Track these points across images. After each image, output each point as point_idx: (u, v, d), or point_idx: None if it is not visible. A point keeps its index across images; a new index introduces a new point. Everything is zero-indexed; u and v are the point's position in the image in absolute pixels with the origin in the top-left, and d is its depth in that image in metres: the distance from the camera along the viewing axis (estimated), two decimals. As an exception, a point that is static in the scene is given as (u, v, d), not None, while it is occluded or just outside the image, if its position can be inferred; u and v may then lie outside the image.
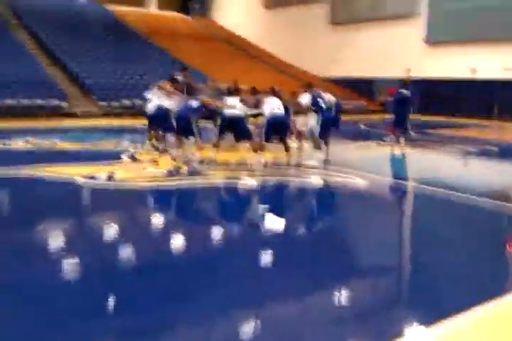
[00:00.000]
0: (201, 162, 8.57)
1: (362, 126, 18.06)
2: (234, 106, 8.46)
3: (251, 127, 8.96)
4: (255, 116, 9.56)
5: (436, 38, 24.16)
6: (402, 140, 12.07)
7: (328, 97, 9.48)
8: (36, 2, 29.29)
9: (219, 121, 9.13)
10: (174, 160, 8.74)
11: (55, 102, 17.97)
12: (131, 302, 3.42)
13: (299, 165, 8.69)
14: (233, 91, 10.94)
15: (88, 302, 3.41)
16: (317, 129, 8.75)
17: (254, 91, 9.27)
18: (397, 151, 11.32)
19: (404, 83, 12.78)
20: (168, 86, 9.68)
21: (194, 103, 8.73)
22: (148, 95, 10.37)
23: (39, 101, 17.58)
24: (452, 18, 23.09)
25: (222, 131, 8.77)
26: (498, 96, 21.76)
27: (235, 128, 8.68)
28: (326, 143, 9.34)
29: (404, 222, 6.21)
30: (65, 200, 6.42)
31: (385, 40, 26.23)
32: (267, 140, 8.66)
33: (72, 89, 20.32)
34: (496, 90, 22.03)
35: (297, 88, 10.29)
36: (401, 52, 25.44)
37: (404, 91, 12.18)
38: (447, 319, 3.18)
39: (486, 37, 21.93)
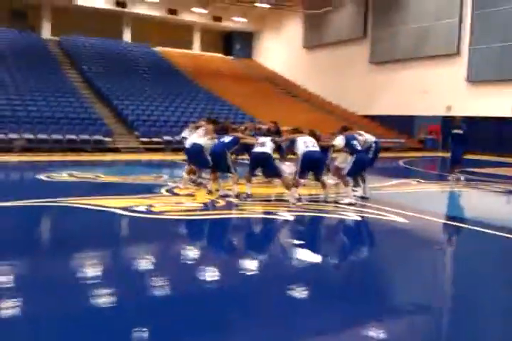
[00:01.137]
0: (237, 196, 8.64)
1: (401, 164, 17.87)
2: (263, 143, 8.66)
3: (284, 165, 9.06)
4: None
5: (478, 76, 23.97)
6: (462, 177, 12.13)
7: (366, 138, 9.53)
8: (86, 42, 30.84)
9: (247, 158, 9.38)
10: (210, 193, 8.85)
11: (100, 138, 18.59)
12: (164, 332, 3.41)
13: (336, 202, 8.60)
14: (273, 133, 11.17)
15: (121, 330, 3.42)
16: (347, 168, 8.72)
17: (295, 131, 9.29)
18: (439, 190, 11.17)
19: (457, 122, 12.87)
20: (205, 124, 9.95)
21: (227, 138, 8.96)
22: (185, 133, 10.77)
23: (84, 137, 18.23)
24: (494, 57, 22.96)
25: (252, 168, 8.93)
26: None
27: (263, 166, 8.91)
28: (363, 181, 9.24)
29: (444, 261, 6.03)
30: (103, 231, 6.56)
31: (425, 80, 26.21)
32: (302, 176, 8.64)
33: (116, 126, 21.06)
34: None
35: (335, 129, 10.37)
36: (442, 90, 25.34)
37: (457, 131, 12.38)
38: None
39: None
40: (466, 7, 24.40)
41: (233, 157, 10.12)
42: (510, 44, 22.37)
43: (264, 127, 12.13)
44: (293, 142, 8.76)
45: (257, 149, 8.67)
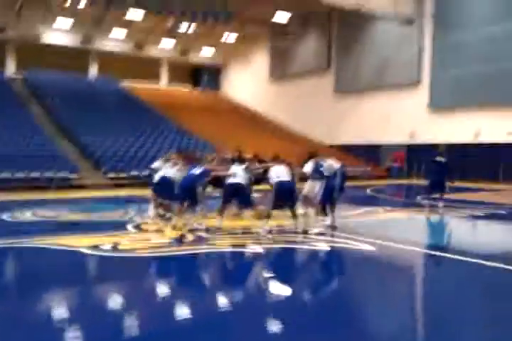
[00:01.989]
0: (207, 230, 8.56)
1: (368, 192, 18.09)
2: (235, 174, 8.61)
3: (255, 195, 9.03)
4: (259, 182, 9.65)
5: (440, 104, 24.77)
6: (441, 204, 12.29)
7: (331, 164, 9.59)
8: (51, 78, 30.69)
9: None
10: (175, 228, 8.73)
11: (65, 175, 18.27)
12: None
13: (305, 232, 8.61)
14: (238, 160, 11.19)
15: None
16: (319, 196, 8.80)
17: (256, 158, 9.46)
18: (404, 216, 11.33)
19: (440, 150, 13.21)
20: (175, 157, 10.01)
21: (197, 170, 8.85)
22: (155, 164, 10.72)
23: (49, 174, 17.88)
24: (454, 85, 23.79)
25: (226, 199, 8.85)
26: (503, 160, 21.92)
27: (237, 196, 8.82)
28: (332, 209, 9.31)
29: (413, 289, 6.05)
30: (68, 270, 6.37)
31: (389, 107, 26.93)
32: (275, 208, 8.70)
33: (82, 162, 20.79)
34: (501, 154, 22.26)
35: (298, 157, 10.53)
36: (405, 118, 26.00)
37: (440, 159, 12.72)
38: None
39: (488, 102, 22.44)
40: (425, 36, 25.39)
41: (209, 189, 10.09)
42: (468, 71, 23.16)
43: (228, 156, 12.13)
44: (266, 171, 8.84)
45: (230, 180, 8.63)
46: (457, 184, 16.38)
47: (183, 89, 38.98)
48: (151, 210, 10.10)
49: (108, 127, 24.61)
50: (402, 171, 26.15)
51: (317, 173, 8.93)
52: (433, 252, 7.55)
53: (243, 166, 8.80)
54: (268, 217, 8.53)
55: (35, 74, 30.87)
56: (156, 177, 9.76)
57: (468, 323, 4.48)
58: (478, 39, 23.03)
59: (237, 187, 8.56)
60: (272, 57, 35.66)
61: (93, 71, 35.99)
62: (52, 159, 19.27)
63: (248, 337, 4.08)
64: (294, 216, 8.79)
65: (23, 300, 5.04)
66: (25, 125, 22.64)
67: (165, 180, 9.24)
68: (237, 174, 8.61)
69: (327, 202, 9.07)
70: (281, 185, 8.50)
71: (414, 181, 23.97)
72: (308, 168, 8.97)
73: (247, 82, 38.80)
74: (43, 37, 31.90)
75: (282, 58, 34.54)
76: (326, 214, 9.30)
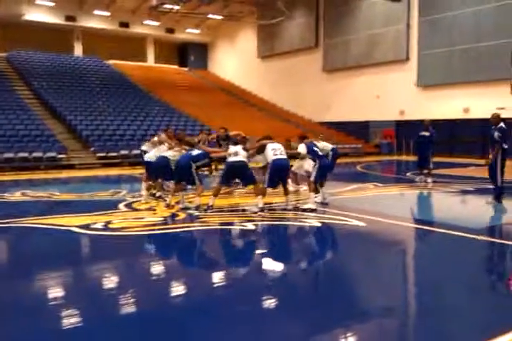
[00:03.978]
0: (197, 208, 8.57)
1: (358, 168, 18.16)
2: (236, 152, 8.61)
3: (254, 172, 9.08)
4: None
5: (428, 81, 24.72)
6: (429, 179, 12.46)
7: (324, 145, 9.89)
8: (35, 57, 30.19)
9: (222, 169, 9.29)
10: (168, 207, 8.76)
11: (53, 154, 18.13)
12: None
13: (296, 209, 8.66)
14: (223, 139, 11.33)
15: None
16: (314, 174, 8.87)
17: (266, 138, 9.43)
18: (394, 192, 11.40)
19: (425, 125, 13.21)
20: (167, 138, 10.04)
21: (194, 152, 8.86)
22: (145, 146, 10.76)
23: (37, 154, 17.73)
24: (442, 61, 23.73)
25: (227, 179, 8.85)
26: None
27: (240, 175, 8.83)
28: (322, 186, 9.41)
29: (404, 262, 6.12)
30: (60, 250, 6.34)
31: (378, 85, 26.83)
32: (272, 185, 8.75)
33: (70, 141, 20.61)
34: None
35: (293, 135, 10.58)
36: (394, 95, 25.97)
37: (424, 133, 12.86)
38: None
39: (476, 79, 22.44)
40: (412, 14, 25.16)
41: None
42: (455, 48, 23.17)
43: (214, 135, 12.19)
44: (262, 149, 8.83)
45: (233, 159, 8.62)
46: (447, 159, 16.47)
47: (171, 68, 38.53)
48: (143, 189, 10.09)
49: (96, 106, 24.36)
50: (392, 147, 26.25)
51: (311, 154, 9.01)
52: (423, 227, 7.61)
53: (241, 146, 8.80)
54: (264, 194, 8.59)
55: (19, 54, 30.32)
56: (151, 157, 9.81)
57: (455, 293, 4.55)
58: (465, 16, 22.90)
59: (240, 165, 8.57)
60: (260, 35, 35.22)
61: (78, 50, 35.41)
62: (40, 139, 19.10)
63: (244, 313, 4.10)
64: (287, 193, 8.87)
65: (15, 279, 5.03)
66: (12, 105, 22.32)
67: (162, 160, 9.29)
68: (239, 152, 8.62)
69: (321, 180, 9.18)
70: (277, 163, 8.54)
71: (404, 157, 24.12)
72: (302, 149, 9.05)
73: (235, 60, 38.44)
74: (26, 15, 31.19)
75: (270, 36, 34.15)
76: (317, 192, 9.35)
